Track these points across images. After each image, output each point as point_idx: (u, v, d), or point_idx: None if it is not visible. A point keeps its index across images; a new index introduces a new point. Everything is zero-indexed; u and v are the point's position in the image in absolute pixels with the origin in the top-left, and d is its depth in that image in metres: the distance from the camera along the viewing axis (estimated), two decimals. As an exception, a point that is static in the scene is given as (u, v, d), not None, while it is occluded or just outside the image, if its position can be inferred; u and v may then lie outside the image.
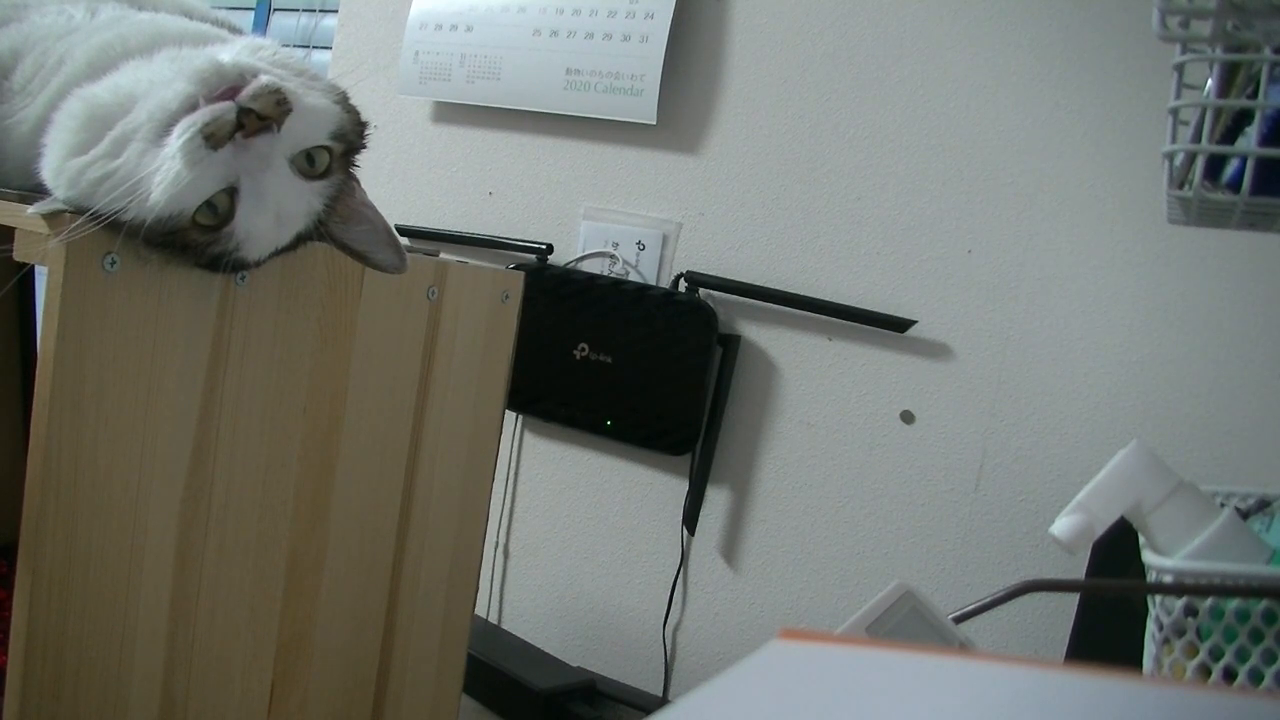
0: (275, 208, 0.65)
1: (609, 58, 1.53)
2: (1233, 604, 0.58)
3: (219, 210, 0.63)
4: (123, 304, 0.66)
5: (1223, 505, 0.65)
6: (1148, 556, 0.62)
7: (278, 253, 0.70)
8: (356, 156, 0.72)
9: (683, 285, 1.49)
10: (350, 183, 0.72)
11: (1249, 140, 0.62)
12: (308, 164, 0.66)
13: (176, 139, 0.60)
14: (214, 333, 0.73)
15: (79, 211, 0.62)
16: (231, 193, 0.63)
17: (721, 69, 1.50)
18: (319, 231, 0.70)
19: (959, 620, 0.59)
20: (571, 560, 1.62)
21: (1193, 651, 0.60)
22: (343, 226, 0.73)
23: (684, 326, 1.45)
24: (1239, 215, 0.68)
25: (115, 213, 0.61)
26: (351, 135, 0.70)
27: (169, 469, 0.71)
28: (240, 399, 0.75)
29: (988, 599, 0.61)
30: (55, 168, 0.64)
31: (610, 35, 1.53)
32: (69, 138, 0.64)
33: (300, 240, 0.70)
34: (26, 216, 0.64)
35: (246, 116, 0.60)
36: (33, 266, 0.67)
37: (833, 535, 1.41)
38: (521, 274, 1.01)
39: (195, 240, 0.64)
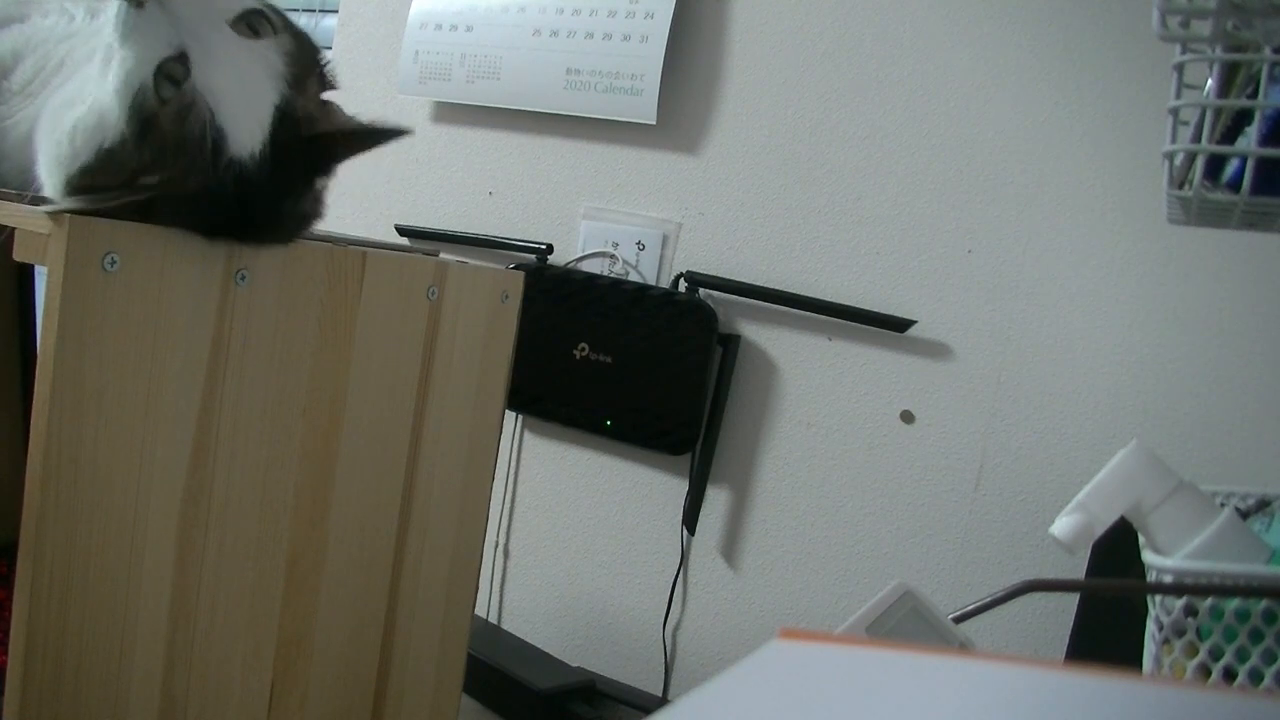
0: (232, 65, 0.65)
1: (609, 58, 1.53)
2: (1233, 604, 0.58)
3: (177, 79, 0.64)
4: (123, 304, 0.66)
5: (1223, 505, 0.65)
6: (1148, 556, 0.62)
7: (278, 152, 0.68)
8: (319, 74, 0.71)
9: (683, 285, 1.49)
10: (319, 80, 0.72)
11: (1249, 140, 0.62)
12: (250, 31, 0.67)
13: (110, 22, 0.62)
14: (214, 333, 0.73)
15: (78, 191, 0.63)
16: (183, 59, 0.64)
17: (721, 69, 1.50)
18: (301, 115, 0.69)
19: (959, 620, 0.59)
20: (571, 560, 1.62)
21: (1193, 651, 0.60)
22: (320, 114, 0.72)
23: (684, 326, 1.45)
24: (1239, 215, 0.68)
25: (100, 164, 0.62)
26: (283, 27, 0.70)
27: (169, 469, 0.71)
28: (240, 399, 0.75)
29: (988, 599, 0.61)
30: (49, 166, 0.65)
31: (610, 35, 1.53)
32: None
33: (291, 122, 0.69)
34: (31, 214, 0.64)
35: None
36: (33, 266, 0.67)
37: (833, 535, 1.41)
38: (521, 274, 1.01)
39: (169, 125, 0.64)
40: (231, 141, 0.65)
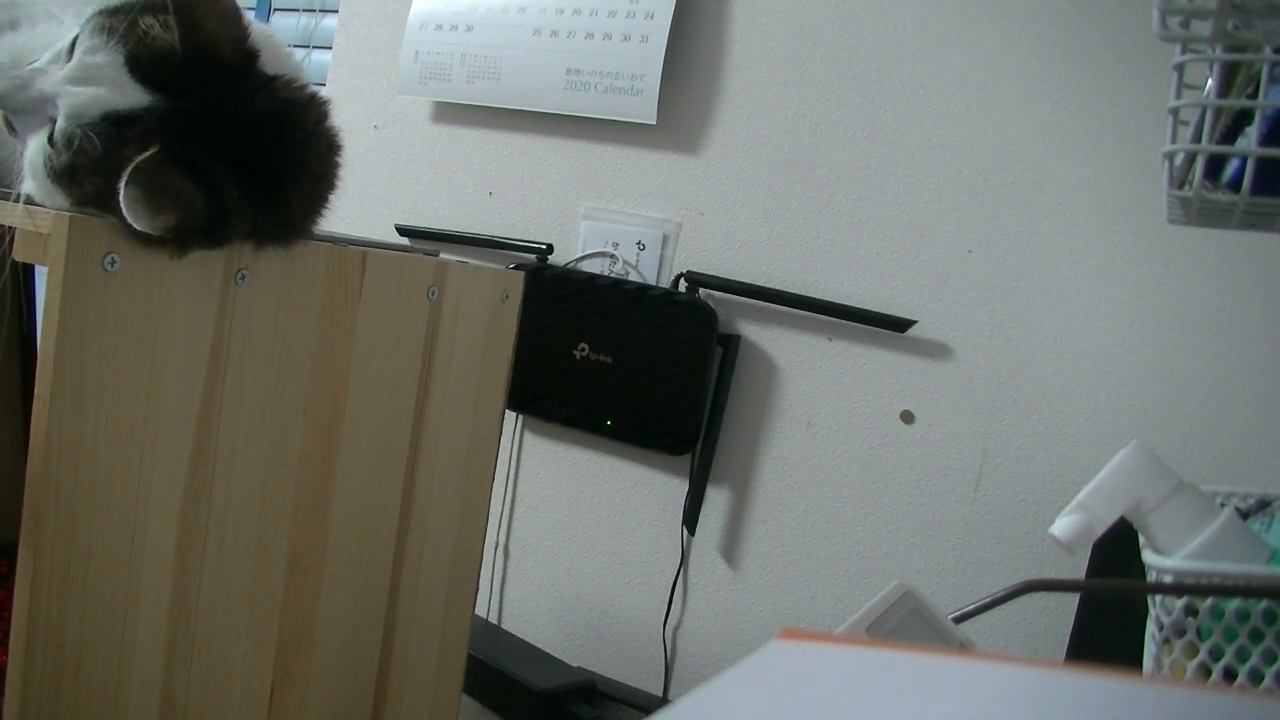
0: (75, 81, 0.66)
1: (609, 58, 1.53)
2: (1233, 604, 0.58)
3: (54, 135, 0.66)
4: (123, 304, 0.66)
5: (1223, 505, 0.65)
6: (1148, 556, 0.62)
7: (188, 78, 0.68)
8: (151, 10, 0.70)
9: (683, 285, 1.49)
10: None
11: (1249, 140, 0.62)
12: (70, 53, 0.68)
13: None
14: (214, 333, 0.73)
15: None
16: (53, 122, 0.66)
17: (721, 69, 1.50)
18: (157, 46, 0.68)
19: (959, 620, 0.59)
20: (571, 560, 1.62)
21: (1193, 651, 0.60)
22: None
23: (684, 326, 1.45)
24: (1239, 215, 0.68)
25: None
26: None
27: (169, 469, 0.71)
28: (240, 399, 0.75)
29: (988, 599, 0.61)
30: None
31: (610, 35, 1.53)
32: None
33: (157, 55, 0.68)
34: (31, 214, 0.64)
35: None
36: (33, 266, 0.67)
37: (833, 535, 1.41)
38: (521, 274, 1.01)
39: (82, 157, 0.65)
40: (117, 112, 0.66)
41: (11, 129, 0.68)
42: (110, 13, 0.68)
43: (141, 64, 0.67)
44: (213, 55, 0.69)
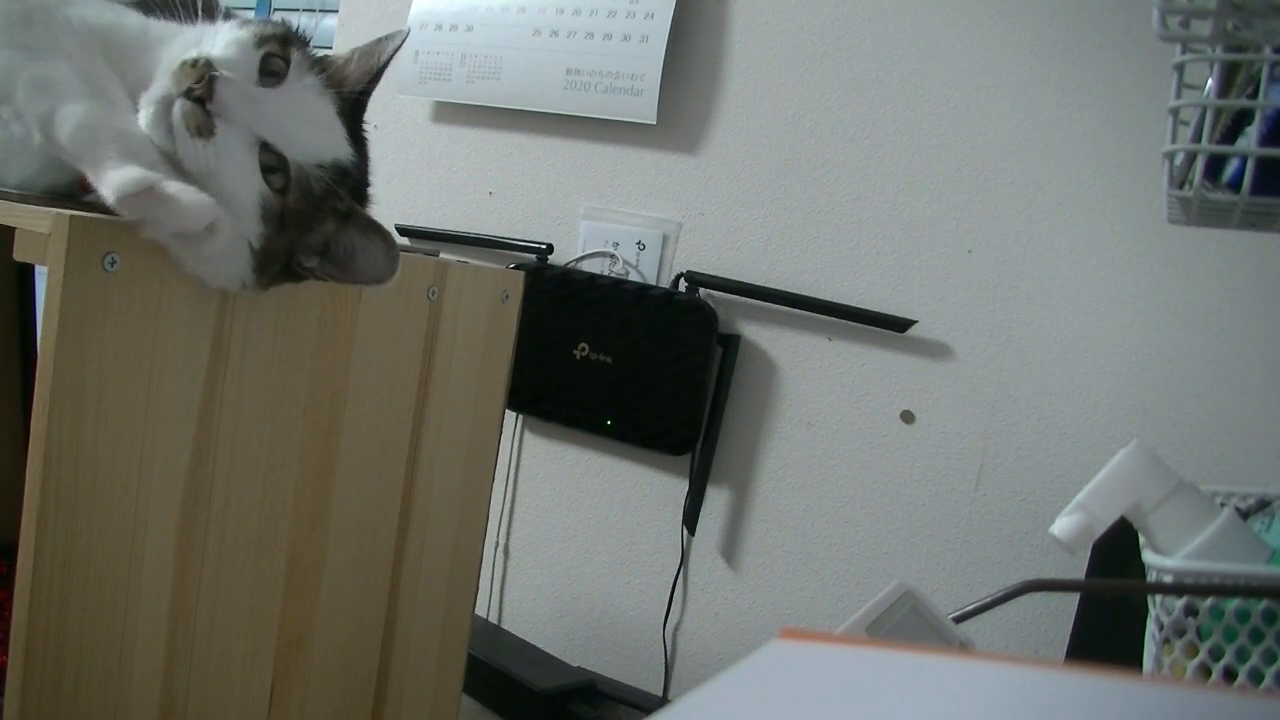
0: (292, 113, 0.66)
1: (609, 58, 1.53)
2: (1233, 604, 0.58)
3: (274, 165, 0.65)
4: (123, 304, 0.66)
5: (1223, 505, 0.65)
6: (1148, 556, 0.62)
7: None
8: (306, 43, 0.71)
9: (683, 285, 1.49)
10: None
11: (1249, 140, 0.62)
12: (274, 75, 0.66)
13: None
14: (214, 333, 0.73)
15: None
16: (265, 147, 0.66)
17: (721, 69, 1.50)
18: (347, 91, 0.70)
19: (959, 620, 0.59)
20: (571, 560, 1.62)
21: (1193, 651, 0.60)
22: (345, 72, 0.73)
23: (684, 326, 1.45)
24: (1239, 215, 0.68)
25: (260, 261, 0.68)
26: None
27: (169, 469, 0.71)
28: (240, 399, 0.75)
29: (988, 599, 0.61)
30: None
31: (610, 35, 1.53)
32: None
33: (352, 104, 0.70)
34: (31, 214, 0.64)
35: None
36: (33, 266, 0.67)
37: (833, 535, 1.41)
38: (521, 274, 1.01)
39: (297, 203, 0.66)
40: (342, 162, 0.67)
41: (204, 131, 0.62)
42: (296, 43, 0.68)
43: (344, 113, 0.69)
44: (364, 106, 0.72)
